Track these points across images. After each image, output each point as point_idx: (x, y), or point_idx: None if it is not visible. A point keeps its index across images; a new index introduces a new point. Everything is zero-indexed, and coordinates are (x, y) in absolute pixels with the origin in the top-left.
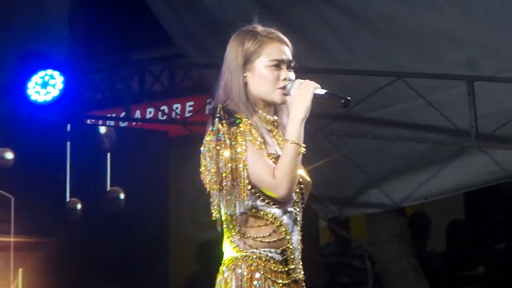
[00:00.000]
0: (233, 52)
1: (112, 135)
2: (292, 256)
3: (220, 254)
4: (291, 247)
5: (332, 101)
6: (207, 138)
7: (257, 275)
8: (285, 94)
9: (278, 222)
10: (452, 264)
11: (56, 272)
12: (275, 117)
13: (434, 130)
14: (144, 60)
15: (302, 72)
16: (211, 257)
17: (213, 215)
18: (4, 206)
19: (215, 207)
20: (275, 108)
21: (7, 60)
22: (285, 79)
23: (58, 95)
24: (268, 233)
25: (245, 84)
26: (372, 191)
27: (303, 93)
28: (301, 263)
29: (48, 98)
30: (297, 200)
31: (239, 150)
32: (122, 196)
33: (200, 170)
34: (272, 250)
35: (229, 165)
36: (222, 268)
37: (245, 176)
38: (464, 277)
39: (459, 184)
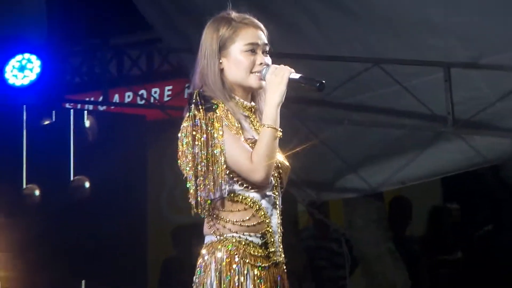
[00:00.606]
0: (208, 39)
1: (94, 127)
2: (272, 240)
3: (198, 238)
4: (270, 230)
5: (307, 84)
6: (184, 123)
7: (236, 258)
8: (261, 79)
9: (257, 206)
10: (431, 249)
11: (34, 257)
12: (252, 103)
13: (411, 116)
14: (122, 44)
15: (279, 57)
16: (189, 241)
17: (190, 200)
18: None
19: (192, 192)
20: (252, 94)
21: None
22: (261, 63)
23: (35, 79)
24: (247, 217)
25: (221, 70)
26: (349, 176)
27: (278, 78)
28: (281, 246)
29: (26, 82)
30: (276, 184)
31: (215, 135)
32: (87, 184)
33: (178, 155)
34: (252, 233)
35: (206, 150)
36: (202, 251)
37: (222, 161)
38: (442, 261)
39: (436, 170)
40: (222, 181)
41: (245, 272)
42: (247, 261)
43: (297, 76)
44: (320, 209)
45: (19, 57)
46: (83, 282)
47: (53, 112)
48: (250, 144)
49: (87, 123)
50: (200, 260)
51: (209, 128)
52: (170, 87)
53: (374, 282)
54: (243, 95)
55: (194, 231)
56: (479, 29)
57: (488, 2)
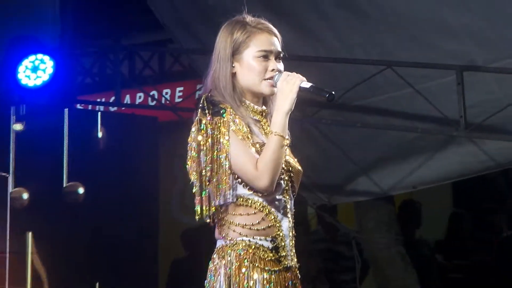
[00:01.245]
0: (222, 42)
1: (105, 137)
2: (283, 243)
3: (207, 240)
4: (281, 234)
5: (317, 94)
6: (192, 128)
7: (246, 262)
8: (273, 86)
9: (267, 210)
10: (442, 253)
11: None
12: (264, 107)
13: (423, 119)
14: (134, 45)
15: (292, 60)
16: (198, 243)
17: (196, 204)
18: None
19: (197, 197)
20: (264, 98)
21: None
22: (273, 70)
23: (48, 80)
24: (257, 221)
25: (234, 74)
26: (360, 179)
27: (289, 86)
28: (293, 250)
29: (38, 82)
30: (287, 188)
31: (221, 140)
32: (80, 190)
33: (186, 160)
34: (262, 237)
35: (210, 155)
36: (213, 256)
37: (227, 166)
38: (455, 266)
39: (448, 174)
40: (227, 186)
41: (255, 276)
42: (256, 264)
43: (308, 85)
44: (330, 212)
45: (32, 57)
46: (96, 284)
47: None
48: (259, 148)
49: (100, 134)
50: (211, 265)
51: (215, 133)
52: (182, 88)
53: (384, 285)
54: (254, 100)
55: (203, 233)
56: (492, 32)
57: (501, 5)
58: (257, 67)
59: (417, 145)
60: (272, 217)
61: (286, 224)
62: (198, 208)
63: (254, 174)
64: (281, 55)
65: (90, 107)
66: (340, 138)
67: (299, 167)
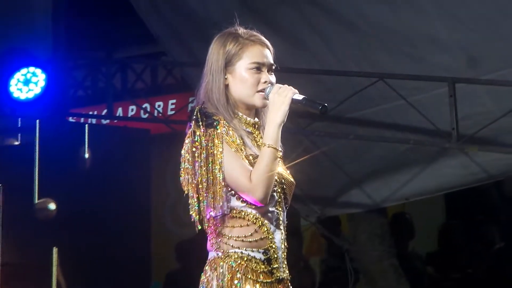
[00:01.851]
0: (214, 54)
1: (91, 159)
2: (275, 255)
3: (201, 251)
4: (274, 246)
5: (310, 107)
6: (186, 140)
7: (238, 274)
8: (265, 98)
9: (260, 222)
10: (435, 265)
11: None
12: (256, 119)
13: (415, 131)
14: (127, 58)
15: (285, 72)
16: (191, 255)
17: (192, 216)
18: None
19: (194, 208)
20: (256, 110)
21: None
22: (265, 82)
23: (40, 93)
24: (249, 233)
25: (226, 86)
26: (353, 191)
27: (281, 98)
28: (285, 262)
29: (30, 95)
30: (279, 200)
31: (215, 152)
32: (51, 206)
33: (180, 172)
34: (254, 249)
35: (205, 167)
36: (205, 268)
37: (221, 178)
38: (447, 278)
39: (440, 185)
40: (222, 198)
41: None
42: (249, 276)
43: (300, 97)
44: (332, 225)
45: (24, 70)
46: None
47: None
48: (252, 160)
49: (87, 155)
50: (203, 277)
51: (209, 145)
52: (174, 101)
53: None
54: (247, 112)
55: (196, 244)
56: (484, 44)
57: (492, 18)
58: (250, 79)
59: (409, 157)
60: (265, 229)
61: (279, 236)
62: (197, 219)
63: (248, 186)
64: (274, 67)
65: (82, 119)
66: (333, 150)
67: (292, 179)
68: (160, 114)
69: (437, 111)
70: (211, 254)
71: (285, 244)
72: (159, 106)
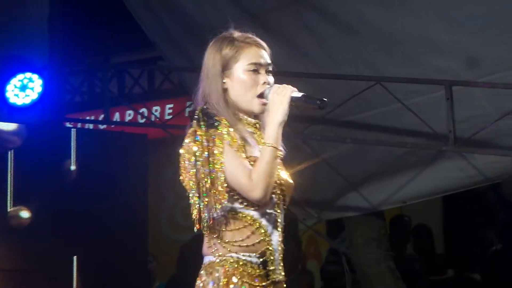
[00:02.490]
0: (210, 59)
1: (21, 132)
2: (272, 258)
3: (198, 256)
4: (270, 248)
5: (309, 103)
6: (186, 140)
7: (234, 279)
8: (264, 104)
9: (257, 224)
10: (432, 268)
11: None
12: (257, 120)
13: (412, 134)
14: (124, 63)
15: (282, 76)
16: (190, 259)
17: (192, 216)
18: None
19: (195, 208)
20: None
21: None
22: (264, 83)
23: (36, 98)
24: (246, 236)
25: (225, 90)
26: (350, 194)
27: (280, 97)
28: (281, 264)
29: (27, 101)
30: (278, 201)
31: (216, 152)
32: (24, 214)
33: (179, 172)
34: (251, 254)
35: (206, 167)
36: (201, 272)
37: (222, 178)
38: (445, 280)
39: (437, 188)
40: (222, 199)
41: None
42: (245, 280)
43: (299, 94)
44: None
45: (20, 76)
46: None
47: None
48: (252, 162)
49: (73, 167)
50: (198, 282)
51: (210, 145)
52: (171, 106)
53: None
54: (247, 113)
55: (192, 249)
56: (481, 47)
57: (490, 20)
58: (248, 80)
59: (406, 160)
60: (262, 230)
61: (276, 238)
62: (196, 218)
63: (248, 185)
64: (271, 68)
65: (79, 125)
66: (330, 153)
67: (291, 181)
68: (157, 119)
69: (434, 114)
70: (207, 258)
71: (282, 246)
72: (156, 110)
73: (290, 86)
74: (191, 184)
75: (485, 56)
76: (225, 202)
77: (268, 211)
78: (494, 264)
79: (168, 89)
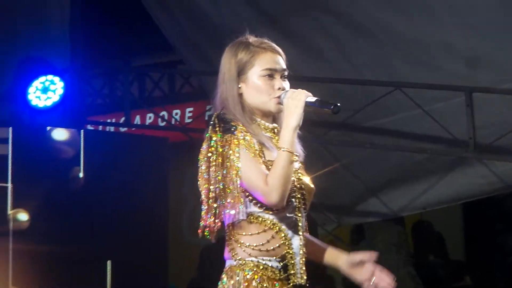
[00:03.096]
0: (226, 64)
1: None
2: (293, 261)
3: (220, 260)
4: (291, 252)
5: (323, 107)
6: (203, 146)
7: (254, 283)
8: (280, 103)
9: (277, 227)
10: (454, 274)
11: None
12: (274, 124)
13: (432, 140)
14: (144, 66)
15: (300, 81)
16: (211, 263)
17: (202, 223)
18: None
19: (207, 214)
20: (274, 115)
21: (8, 65)
22: (279, 88)
23: (58, 101)
24: (266, 240)
25: (241, 95)
26: (370, 200)
27: (295, 102)
28: (303, 268)
29: (49, 103)
30: (298, 205)
31: (231, 157)
32: (22, 217)
33: (198, 177)
34: (271, 258)
35: (221, 172)
36: (222, 275)
37: (238, 183)
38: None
39: (457, 195)
40: (239, 203)
41: None
42: (265, 285)
43: (313, 99)
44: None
45: (42, 78)
46: None
47: None
48: (270, 166)
49: (81, 175)
50: (220, 285)
51: (225, 150)
52: (191, 109)
53: None
54: (264, 118)
55: (214, 253)
56: (501, 53)
57: (509, 26)
58: (263, 86)
59: (426, 166)
60: (283, 234)
61: (297, 242)
62: (204, 224)
63: (264, 189)
64: (286, 73)
65: (100, 127)
66: (350, 159)
67: (312, 185)
68: (177, 122)
69: (454, 120)
70: (228, 262)
71: (304, 250)
72: (176, 114)
73: (304, 91)
74: (206, 190)
75: (505, 62)
76: (241, 207)
77: (288, 215)
78: None
79: (188, 92)
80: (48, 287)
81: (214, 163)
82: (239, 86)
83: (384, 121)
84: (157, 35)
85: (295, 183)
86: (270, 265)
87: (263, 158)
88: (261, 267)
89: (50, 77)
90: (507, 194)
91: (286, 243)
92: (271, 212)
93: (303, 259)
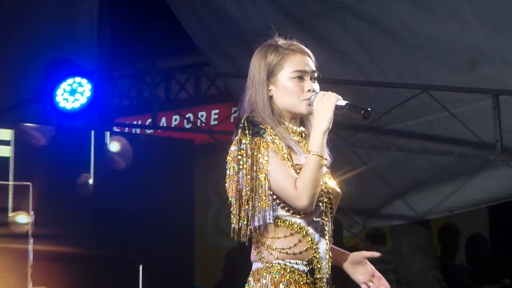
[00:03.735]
0: (256, 66)
1: (127, 151)
2: (319, 266)
3: (245, 262)
4: (318, 256)
5: (353, 112)
6: (231, 148)
7: (281, 286)
8: (310, 105)
9: (304, 232)
10: (481, 278)
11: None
12: (302, 128)
13: (459, 143)
14: (170, 68)
15: (328, 83)
16: (237, 265)
17: (233, 225)
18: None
19: (237, 217)
20: (301, 119)
21: (36, 67)
22: (309, 90)
23: (86, 103)
24: (293, 244)
25: (270, 97)
26: (396, 203)
27: (325, 105)
28: (329, 273)
29: (76, 105)
30: (325, 210)
31: (261, 160)
32: (23, 219)
33: (225, 179)
34: (298, 261)
35: (250, 175)
36: (249, 278)
37: (267, 186)
38: None
39: (484, 198)
40: (267, 207)
41: None
42: (292, 287)
43: (343, 103)
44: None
45: (70, 80)
46: None
47: None
48: (298, 170)
49: (91, 181)
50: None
51: (255, 153)
52: (217, 111)
53: None
54: (292, 121)
55: (240, 255)
56: None
57: None
58: (293, 88)
59: (453, 169)
60: (310, 239)
61: (324, 246)
62: (236, 227)
63: (293, 193)
64: (316, 74)
65: (126, 129)
66: (376, 161)
67: (338, 190)
68: (203, 124)
69: (481, 123)
70: (255, 265)
71: (330, 255)
72: (202, 116)
73: (335, 94)
74: (234, 192)
75: None
76: (269, 211)
77: (315, 219)
78: None
79: (214, 94)
80: None
81: (243, 166)
82: (269, 88)
83: (411, 124)
84: (183, 37)
85: (322, 188)
86: (297, 268)
87: (291, 162)
88: (288, 270)
89: (77, 79)
90: None
91: (313, 247)
92: (298, 216)
93: (329, 264)
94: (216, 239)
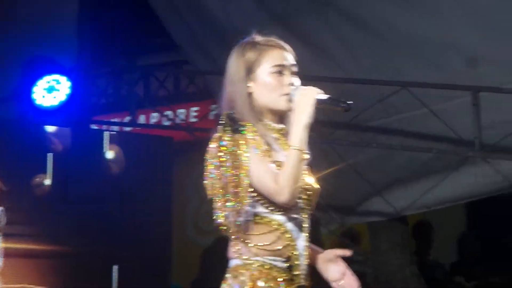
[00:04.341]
0: (234, 65)
1: (66, 135)
2: (297, 262)
3: (223, 259)
4: (296, 253)
5: (334, 105)
6: (211, 145)
7: (260, 283)
8: (290, 101)
9: (283, 228)
10: (456, 274)
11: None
12: (282, 125)
13: (438, 140)
14: (149, 66)
15: (307, 80)
16: (214, 263)
17: (215, 220)
18: None
19: (218, 213)
20: (281, 116)
21: (13, 65)
22: (289, 84)
23: (64, 100)
24: (272, 241)
25: (250, 94)
26: (374, 199)
27: (306, 99)
28: (307, 269)
29: (54, 103)
30: (304, 206)
31: (241, 158)
32: (47, 182)
33: (204, 176)
34: (277, 258)
35: (230, 172)
36: (226, 275)
37: (247, 183)
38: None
39: (462, 194)
40: (247, 204)
41: None
42: (270, 284)
43: (324, 97)
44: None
45: (48, 78)
46: None
47: None
48: (278, 167)
49: (109, 154)
50: (224, 285)
51: (235, 150)
52: (196, 109)
53: None
54: (272, 118)
55: (216, 253)
56: (508, 53)
57: None
58: (273, 82)
59: (431, 165)
60: (288, 235)
61: (302, 243)
62: (219, 223)
63: (274, 188)
64: (295, 69)
65: (104, 127)
66: (355, 158)
67: (317, 186)
68: (182, 122)
69: (460, 120)
70: (233, 262)
71: (308, 251)
72: (181, 113)
73: (315, 88)
74: (215, 189)
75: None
76: (248, 207)
77: (293, 216)
78: None
79: (193, 92)
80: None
81: (224, 163)
82: (248, 85)
83: (390, 121)
84: (162, 34)
85: (301, 184)
86: (275, 264)
87: (271, 158)
88: (266, 267)
89: (56, 76)
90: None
91: (292, 244)
92: (277, 213)
93: (307, 260)
94: (194, 237)
